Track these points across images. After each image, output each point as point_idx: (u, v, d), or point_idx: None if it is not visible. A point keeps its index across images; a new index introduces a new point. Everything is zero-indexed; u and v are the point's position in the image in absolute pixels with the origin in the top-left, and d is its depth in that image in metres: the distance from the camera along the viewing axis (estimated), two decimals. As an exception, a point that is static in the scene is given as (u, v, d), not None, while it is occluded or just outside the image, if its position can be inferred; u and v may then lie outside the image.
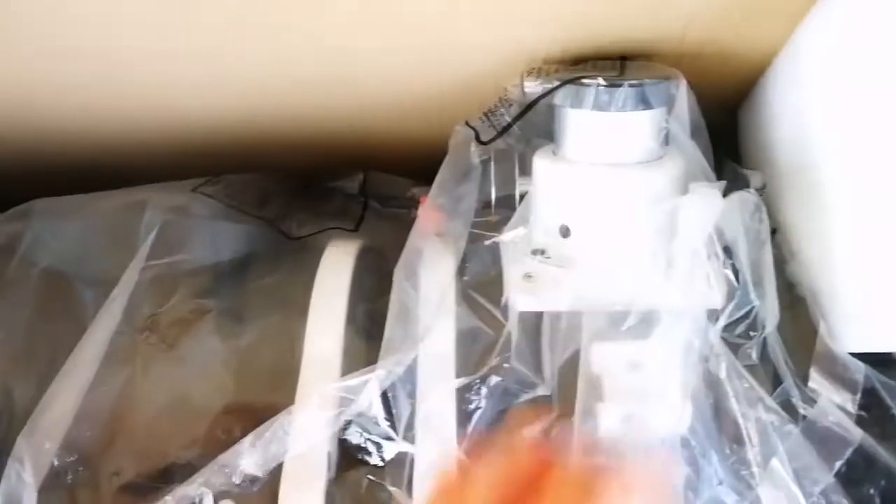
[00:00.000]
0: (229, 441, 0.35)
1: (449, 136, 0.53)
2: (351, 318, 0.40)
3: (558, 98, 0.42)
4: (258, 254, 0.45)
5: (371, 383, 0.34)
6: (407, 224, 0.52)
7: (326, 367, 0.38)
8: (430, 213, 0.43)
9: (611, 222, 0.41)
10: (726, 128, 0.51)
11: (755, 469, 0.35)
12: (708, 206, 0.36)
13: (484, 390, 0.36)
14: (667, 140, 0.42)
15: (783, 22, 0.41)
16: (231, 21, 0.42)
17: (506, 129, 0.44)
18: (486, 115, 0.45)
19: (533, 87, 0.43)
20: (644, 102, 0.41)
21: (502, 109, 0.45)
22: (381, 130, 0.54)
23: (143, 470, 0.35)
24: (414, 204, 0.52)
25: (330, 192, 0.54)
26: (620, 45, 0.44)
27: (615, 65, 0.42)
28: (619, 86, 0.40)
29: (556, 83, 0.42)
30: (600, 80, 0.40)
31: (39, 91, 0.48)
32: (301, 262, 0.45)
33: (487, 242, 0.44)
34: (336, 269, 0.43)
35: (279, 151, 0.58)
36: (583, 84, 0.41)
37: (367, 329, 0.41)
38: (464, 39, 0.44)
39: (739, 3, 0.41)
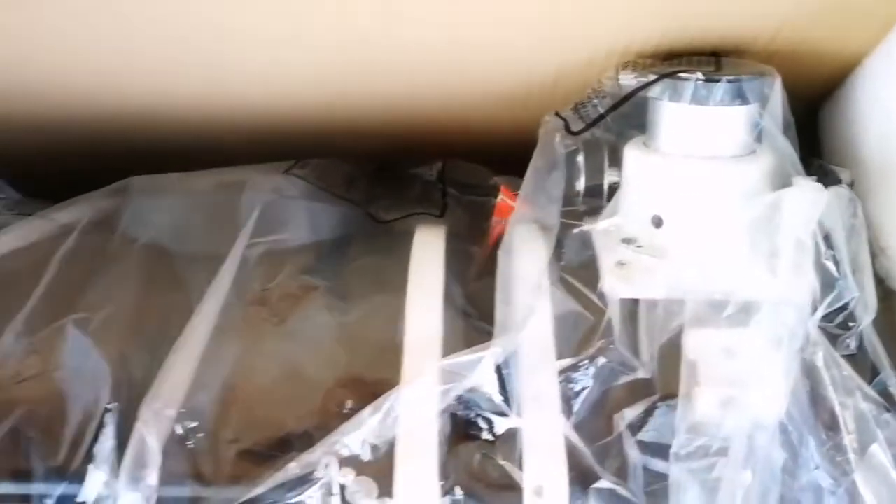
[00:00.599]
0: (342, 413, 0.37)
1: (528, 126, 0.55)
2: (447, 297, 0.42)
3: (654, 91, 0.43)
4: (351, 235, 0.46)
5: (486, 360, 0.36)
6: (486, 211, 0.53)
7: (429, 343, 0.39)
8: (519, 201, 0.45)
9: (704, 214, 0.42)
10: (806, 125, 0.52)
11: (851, 456, 0.36)
12: (813, 199, 0.37)
13: (592, 370, 0.37)
14: (760, 135, 0.43)
15: (878, 23, 0.42)
16: (346, 8, 0.43)
17: (598, 119, 0.46)
18: (577, 106, 0.47)
19: (628, 80, 0.44)
20: (741, 98, 0.42)
21: (595, 101, 0.46)
22: (462, 119, 0.56)
23: (260, 438, 0.37)
24: (494, 192, 0.54)
25: (409, 178, 0.55)
26: (713, 42, 0.45)
27: (710, 61, 0.43)
28: (718, 81, 0.41)
29: (654, 77, 0.43)
30: (699, 75, 0.41)
31: (150, 78, 0.49)
32: (391, 244, 0.47)
33: (577, 230, 0.46)
34: (429, 250, 0.45)
35: (357, 138, 0.59)
36: (681, 78, 0.42)
37: (463, 308, 0.42)
38: (562, 33, 0.45)
39: (836, 6, 0.42)
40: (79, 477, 0.36)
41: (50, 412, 0.38)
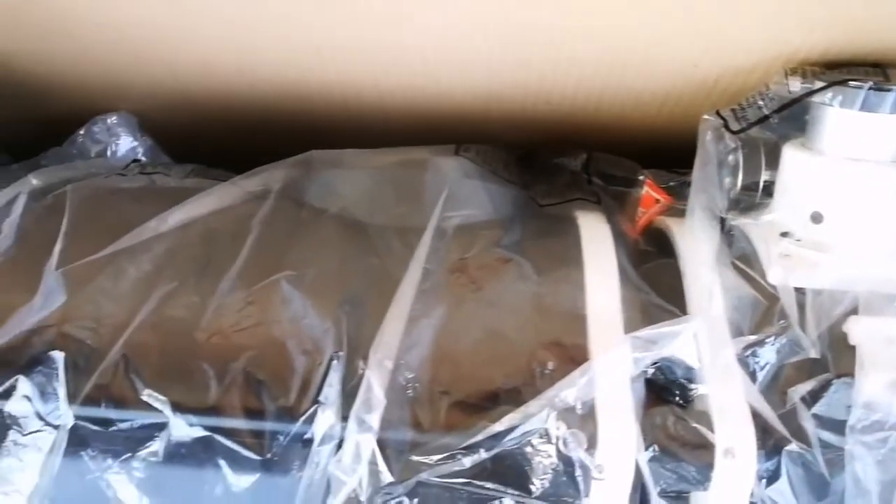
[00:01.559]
0: (544, 373, 0.40)
1: (675, 124, 0.58)
2: (621, 272, 0.45)
3: (822, 97, 0.47)
4: (521, 216, 0.50)
5: (686, 331, 0.39)
6: (630, 203, 0.57)
7: (610, 313, 0.43)
8: (692, 191, 0.48)
9: (866, 213, 0.46)
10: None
11: None
12: None
13: (776, 347, 0.41)
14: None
15: None
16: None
17: (762, 120, 0.49)
18: (740, 106, 0.50)
19: (796, 85, 0.48)
20: (908, 107, 0.45)
21: (760, 102, 0.49)
22: (612, 113, 0.59)
23: (471, 392, 0.40)
24: (636, 184, 0.57)
25: (556, 167, 0.59)
26: (877, 54, 0.48)
27: (877, 71, 0.47)
28: (889, 90, 0.45)
29: (823, 83, 0.46)
30: (871, 84, 0.45)
31: (261, 57, 0.52)
32: (554, 226, 0.50)
33: (734, 222, 0.49)
34: (598, 231, 0.48)
35: (506, 127, 0.63)
36: (852, 86, 0.45)
37: (636, 283, 0.45)
38: (734, 36, 0.49)
39: None
40: (307, 417, 0.40)
41: (274, 358, 0.41)
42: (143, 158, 0.62)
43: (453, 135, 0.60)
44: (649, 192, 0.56)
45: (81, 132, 0.63)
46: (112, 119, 0.63)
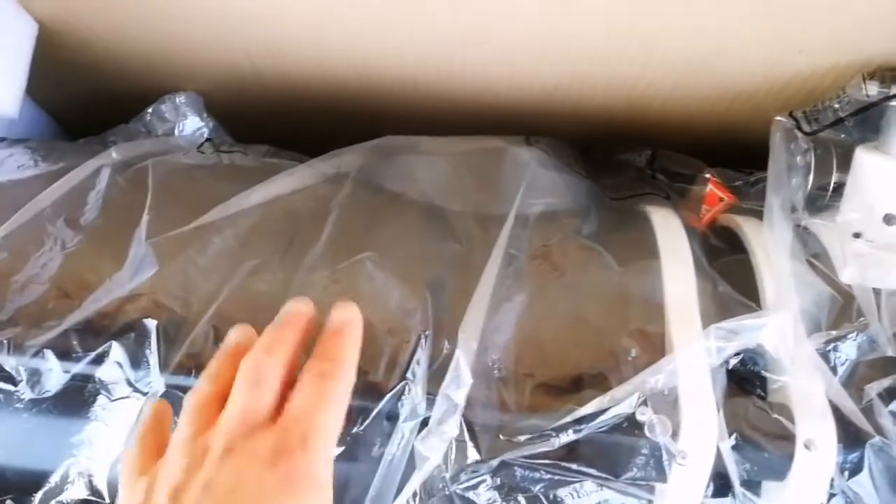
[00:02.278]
0: (628, 360, 0.41)
1: (742, 124, 0.59)
2: (696, 263, 0.46)
3: (901, 102, 0.47)
4: (595, 207, 0.51)
5: (771, 323, 0.40)
6: (692, 199, 0.57)
7: (688, 304, 0.43)
8: (768, 191, 0.49)
9: (940, 216, 0.46)
10: None
11: None
12: None
13: (856, 343, 0.41)
14: None
15: None
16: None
17: (837, 122, 0.50)
18: (814, 108, 0.51)
19: (874, 90, 0.49)
20: None
21: (836, 105, 0.50)
22: (674, 110, 0.60)
23: (555, 375, 0.41)
24: (703, 182, 0.58)
25: (620, 163, 0.60)
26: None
27: (956, 79, 0.48)
28: (969, 98, 0.45)
29: (904, 89, 0.47)
30: (951, 91, 0.46)
31: (329, 35, 0.52)
32: (626, 219, 0.51)
33: (804, 222, 0.50)
34: (670, 224, 0.49)
35: (571, 121, 0.64)
36: (932, 92, 0.46)
37: (710, 274, 0.46)
38: (813, 42, 0.49)
39: None
40: (395, 394, 0.41)
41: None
42: (211, 138, 0.63)
43: (514, 127, 0.61)
44: (714, 190, 0.57)
45: (149, 110, 0.64)
46: (180, 98, 0.64)
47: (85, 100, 0.70)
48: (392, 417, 0.41)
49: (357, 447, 0.41)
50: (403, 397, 0.40)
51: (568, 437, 0.39)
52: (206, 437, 0.32)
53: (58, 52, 0.61)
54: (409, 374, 0.40)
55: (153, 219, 0.46)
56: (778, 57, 0.51)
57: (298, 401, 0.33)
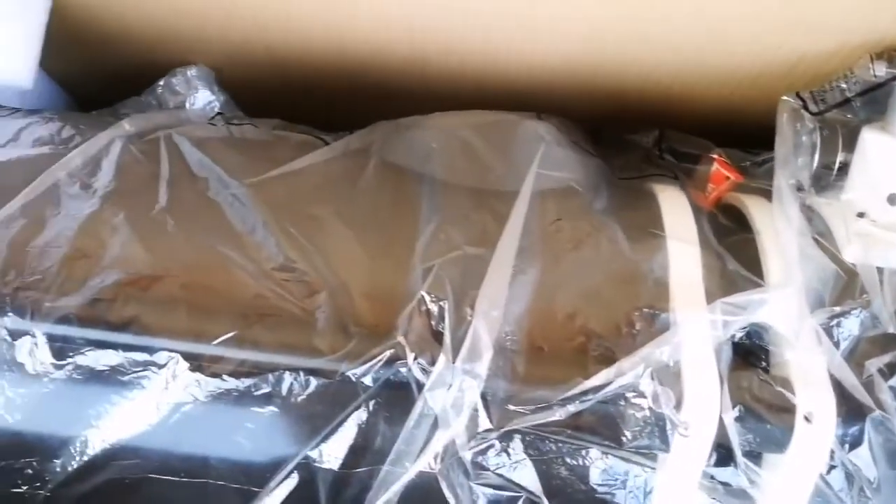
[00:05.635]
0: (632, 334, 0.42)
1: (749, 104, 0.59)
2: (702, 243, 0.47)
3: (908, 82, 0.48)
4: (605, 185, 0.51)
5: (775, 299, 0.41)
6: (698, 178, 0.58)
7: (693, 280, 0.44)
8: (777, 170, 0.50)
9: (943, 196, 0.47)
10: None
11: None
12: None
13: (859, 319, 0.42)
14: None
15: None
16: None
17: (843, 102, 0.50)
18: (820, 88, 0.51)
19: (882, 70, 0.49)
20: None
21: (843, 85, 0.51)
22: (681, 90, 0.60)
23: (565, 347, 0.42)
24: (709, 161, 0.59)
25: (627, 143, 0.60)
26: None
27: (963, 60, 0.48)
28: (974, 79, 0.46)
29: (911, 69, 0.48)
30: (957, 72, 0.46)
31: (353, 21, 0.53)
32: (633, 198, 0.52)
33: (809, 201, 0.51)
34: (677, 202, 0.50)
35: (573, 99, 0.64)
36: (939, 73, 0.47)
37: (716, 250, 0.47)
38: (821, 22, 0.50)
39: None
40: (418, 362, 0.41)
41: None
42: (222, 112, 0.63)
43: (521, 106, 0.61)
44: (720, 168, 0.58)
45: (161, 83, 0.64)
46: (191, 72, 0.64)
47: (97, 72, 0.71)
48: (416, 385, 0.41)
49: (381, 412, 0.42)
50: (428, 365, 0.41)
51: (575, 407, 0.40)
52: None
53: (71, 24, 0.62)
54: (432, 342, 0.41)
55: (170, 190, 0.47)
56: (785, 37, 0.52)
57: None
